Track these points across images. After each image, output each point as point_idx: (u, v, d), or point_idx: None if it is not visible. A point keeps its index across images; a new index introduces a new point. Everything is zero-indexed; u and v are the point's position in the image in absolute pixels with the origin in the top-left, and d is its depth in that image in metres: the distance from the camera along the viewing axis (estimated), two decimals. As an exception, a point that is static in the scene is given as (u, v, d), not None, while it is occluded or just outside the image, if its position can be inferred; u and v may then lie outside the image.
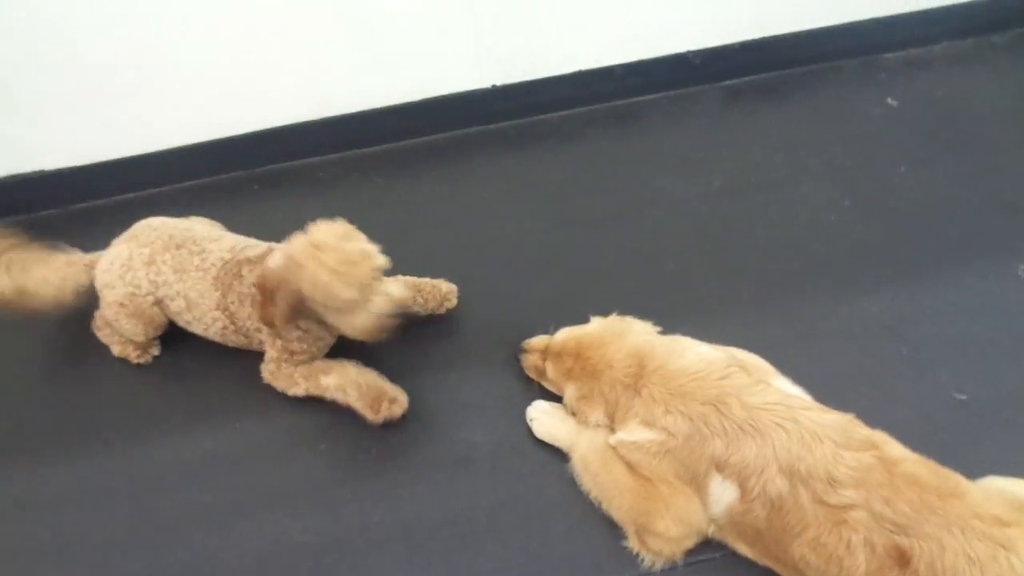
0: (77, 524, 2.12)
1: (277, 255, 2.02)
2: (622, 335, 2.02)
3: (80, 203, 2.79)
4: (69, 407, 2.36)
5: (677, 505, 1.86)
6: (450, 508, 2.07)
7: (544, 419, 2.17)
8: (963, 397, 2.15)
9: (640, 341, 1.99)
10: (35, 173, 2.79)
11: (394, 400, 2.15)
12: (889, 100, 2.99)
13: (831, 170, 2.78)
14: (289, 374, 2.23)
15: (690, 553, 1.92)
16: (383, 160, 2.96)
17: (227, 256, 2.21)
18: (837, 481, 1.66)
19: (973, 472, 1.76)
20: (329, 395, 2.21)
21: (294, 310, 1.98)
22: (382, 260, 1.98)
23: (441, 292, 2.41)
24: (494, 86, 2.96)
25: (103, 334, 2.42)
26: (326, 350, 2.26)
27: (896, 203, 2.65)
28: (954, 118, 2.91)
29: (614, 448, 1.96)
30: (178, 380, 2.39)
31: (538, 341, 2.20)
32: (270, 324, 2.05)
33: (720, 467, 1.78)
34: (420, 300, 2.38)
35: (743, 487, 1.75)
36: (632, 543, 1.94)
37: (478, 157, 2.96)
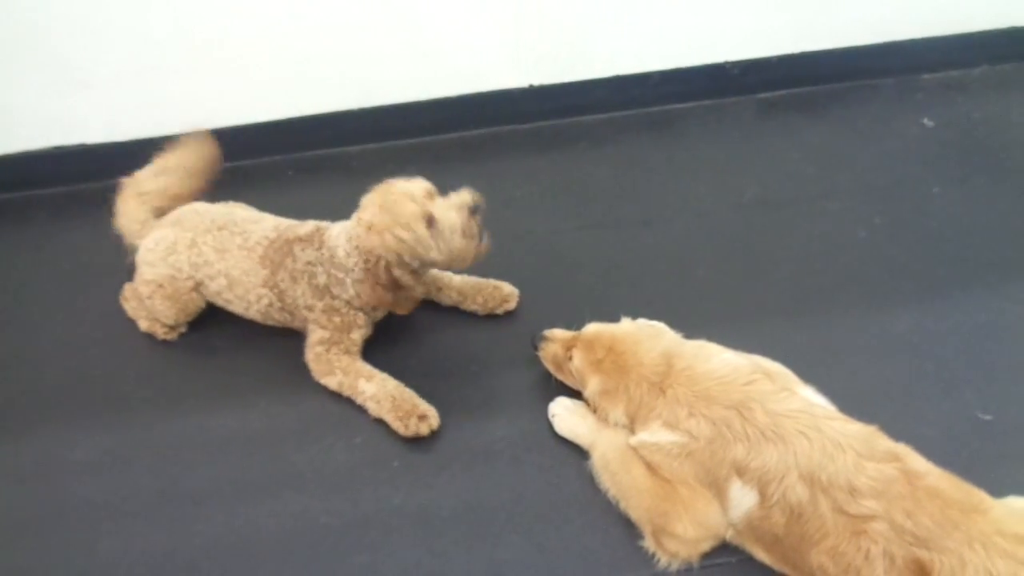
0: (99, 493, 2.14)
1: (338, 234, 2.15)
2: (656, 336, 2.03)
3: (119, 178, 2.82)
4: (94, 378, 2.39)
5: (695, 508, 1.87)
6: (470, 499, 2.08)
7: (565, 415, 2.18)
8: (988, 418, 2.15)
9: (671, 343, 2.01)
10: (78, 146, 2.84)
11: (424, 417, 2.16)
12: (925, 120, 2.99)
13: (864, 187, 2.78)
14: (330, 361, 2.25)
15: (706, 556, 1.92)
16: (418, 152, 2.99)
17: (272, 235, 2.26)
18: (858, 491, 1.65)
19: (994, 493, 1.75)
20: (361, 401, 2.23)
21: (398, 284, 2.11)
22: (426, 184, 2.09)
23: (502, 293, 2.44)
24: (532, 85, 2.98)
25: (130, 306, 2.46)
26: (374, 322, 2.33)
27: (927, 223, 2.65)
28: (989, 142, 2.91)
29: (634, 449, 1.97)
30: (205, 358, 2.42)
31: (561, 332, 2.19)
32: (414, 303, 2.20)
33: (741, 472, 1.78)
34: (480, 300, 2.43)
35: (763, 493, 1.75)
36: (649, 543, 1.94)
37: (512, 155, 2.98)
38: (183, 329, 2.45)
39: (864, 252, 2.58)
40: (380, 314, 2.32)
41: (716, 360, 1.93)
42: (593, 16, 2.84)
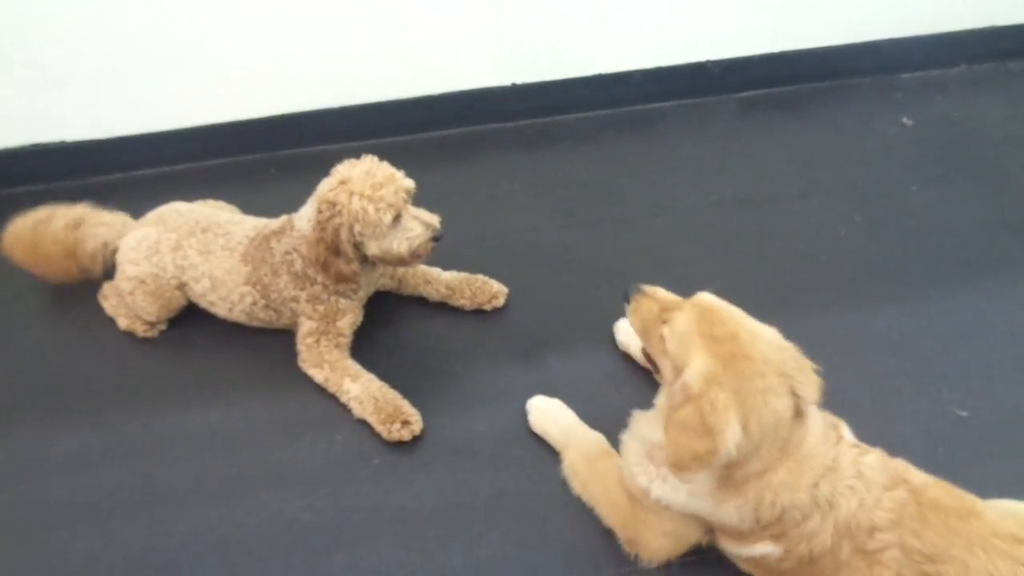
0: (76, 492, 2.12)
1: (307, 208, 2.12)
2: (784, 378, 1.58)
3: (98, 176, 2.82)
4: (72, 376, 2.37)
5: (666, 528, 1.84)
6: (450, 496, 2.08)
7: (539, 414, 2.17)
8: (964, 414, 2.17)
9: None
10: (56, 144, 2.82)
11: (406, 423, 2.15)
12: (904, 120, 3.02)
13: (843, 185, 2.80)
14: (320, 353, 2.25)
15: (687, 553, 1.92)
16: (400, 151, 2.93)
17: (252, 234, 2.27)
18: (877, 528, 1.62)
19: (972, 489, 1.76)
20: (345, 400, 2.23)
21: (337, 250, 2.07)
22: (409, 182, 2.10)
23: (491, 290, 2.45)
24: (514, 84, 2.99)
25: (109, 304, 2.44)
26: (361, 305, 2.32)
27: (906, 221, 2.68)
28: (968, 141, 2.93)
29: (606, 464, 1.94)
30: (186, 355, 2.40)
31: (664, 292, 1.78)
32: (343, 279, 2.13)
33: (777, 537, 1.68)
34: (468, 295, 2.43)
35: (789, 549, 1.68)
36: (624, 548, 1.93)
37: (494, 154, 2.98)
38: (163, 327, 2.43)
39: (844, 250, 2.60)
40: (363, 294, 2.31)
41: (816, 428, 1.67)
42: (574, 15, 2.85)
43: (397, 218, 2.06)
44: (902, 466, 1.72)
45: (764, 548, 1.71)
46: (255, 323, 2.35)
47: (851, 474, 1.64)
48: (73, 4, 2.52)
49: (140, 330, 2.41)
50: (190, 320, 2.41)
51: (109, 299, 2.43)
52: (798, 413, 1.59)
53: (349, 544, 2.00)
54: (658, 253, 2.62)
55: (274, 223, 2.27)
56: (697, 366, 1.55)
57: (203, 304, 2.36)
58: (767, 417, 1.53)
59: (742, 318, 1.64)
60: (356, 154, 2.91)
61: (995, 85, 3.15)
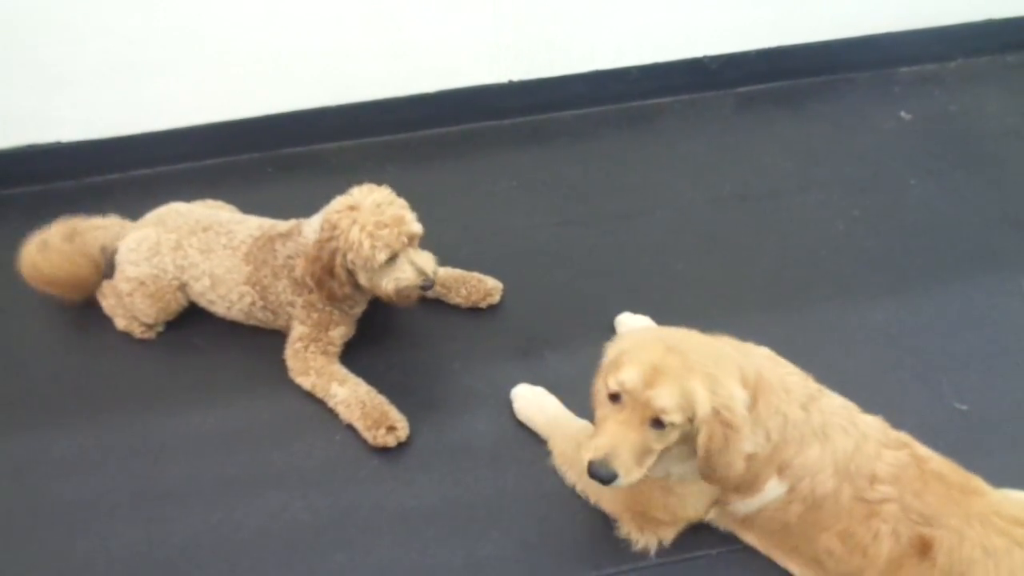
0: (77, 492, 2.12)
1: (316, 219, 2.11)
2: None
3: (95, 176, 2.81)
4: (70, 377, 2.37)
5: (668, 503, 1.86)
6: (450, 495, 2.08)
7: (522, 402, 2.18)
8: (964, 407, 2.17)
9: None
10: (52, 144, 2.81)
11: (393, 428, 2.14)
12: (902, 114, 3.01)
13: (841, 180, 2.80)
14: (307, 360, 2.24)
15: (686, 549, 1.92)
16: (397, 149, 2.98)
17: (257, 234, 2.27)
18: (877, 478, 1.68)
19: (973, 481, 1.77)
20: (332, 404, 2.22)
21: (332, 272, 2.08)
22: (416, 227, 2.09)
23: (486, 287, 2.44)
24: (511, 81, 2.98)
25: (108, 303, 2.43)
26: (354, 320, 2.32)
27: (905, 215, 2.68)
28: (965, 134, 2.93)
29: None
30: (184, 356, 2.40)
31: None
32: (334, 299, 2.14)
33: (782, 469, 1.73)
34: (463, 292, 2.43)
35: (794, 487, 1.73)
36: (626, 529, 1.93)
37: (491, 151, 2.98)
38: (160, 328, 2.43)
39: (842, 244, 2.60)
40: (358, 311, 2.32)
41: (788, 364, 1.86)
42: (571, 11, 2.84)
43: (393, 258, 2.07)
44: (905, 436, 1.78)
45: (771, 487, 1.74)
46: (252, 322, 2.35)
47: (843, 416, 1.74)
48: (69, 4, 2.52)
49: (138, 331, 2.41)
50: (188, 321, 2.41)
51: (108, 299, 2.43)
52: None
53: (349, 544, 2.00)
54: (656, 249, 2.62)
55: (282, 226, 2.27)
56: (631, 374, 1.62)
57: (202, 303, 2.36)
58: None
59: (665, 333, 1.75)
60: (355, 152, 2.95)
61: (993, 78, 3.15)
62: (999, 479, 1.75)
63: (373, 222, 2.02)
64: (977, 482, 1.70)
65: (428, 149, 2.99)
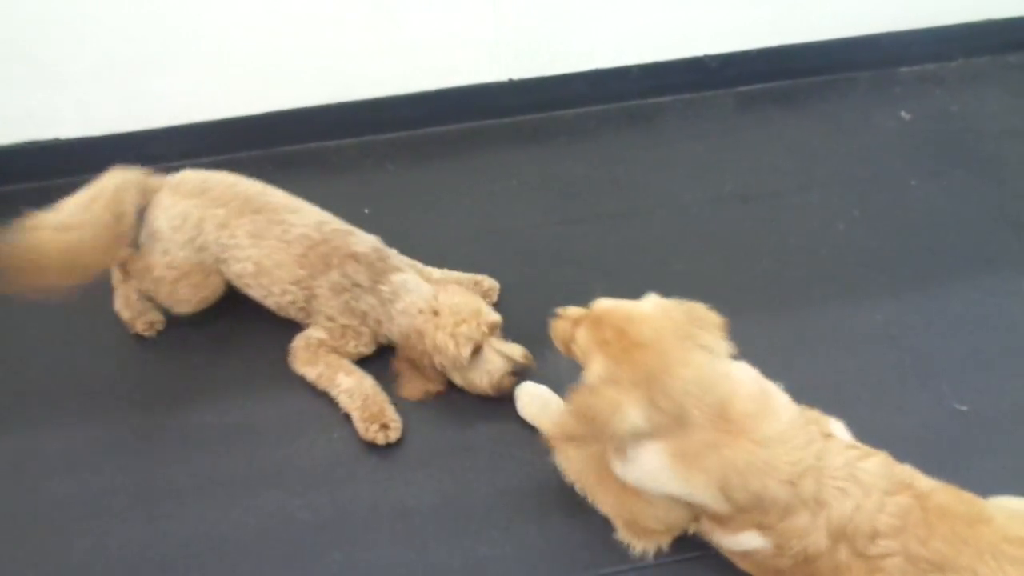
0: (73, 490, 2.11)
1: (404, 323, 2.17)
2: (685, 342, 1.69)
3: (94, 173, 2.79)
4: (69, 373, 2.36)
5: (656, 513, 1.83)
6: (449, 494, 2.07)
7: (526, 399, 2.18)
8: (964, 408, 2.16)
9: (719, 373, 1.69)
10: (51, 141, 2.81)
11: (386, 426, 2.14)
12: (902, 113, 3.01)
13: (842, 180, 2.80)
14: (318, 354, 2.24)
15: (686, 549, 1.91)
16: (397, 147, 2.97)
17: (316, 236, 2.21)
18: (879, 533, 1.59)
19: (972, 483, 1.76)
20: (335, 393, 2.21)
21: (420, 369, 2.18)
22: (494, 317, 2.15)
23: (482, 288, 2.44)
24: (511, 80, 2.98)
25: (127, 287, 2.36)
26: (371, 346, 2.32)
27: (905, 215, 2.67)
28: (966, 134, 2.93)
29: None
30: (183, 354, 2.39)
31: (574, 309, 1.86)
32: (415, 394, 2.22)
33: (763, 529, 1.67)
34: None
35: (780, 545, 1.66)
36: (621, 534, 1.93)
37: (491, 150, 2.97)
38: (160, 327, 2.42)
39: (842, 245, 2.60)
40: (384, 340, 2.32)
41: (784, 416, 1.68)
42: (572, 10, 2.84)
43: (477, 351, 2.10)
44: (908, 471, 1.68)
45: (750, 538, 1.70)
46: (281, 314, 2.32)
47: (842, 475, 1.62)
48: (69, 1, 2.51)
49: (140, 326, 2.39)
50: (188, 320, 2.40)
51: (132, 280, 2.33)
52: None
53: (347, 543, 1.99)
54: (656, 249, 2.61)
55: (356, 244, 2.23)
56: (595, 369, 1.67)
57: (239, 284, 2.30)
58: (676, 386, 1.60)
59: (625, 311, 1.73)
60: (354, 150, 2.94)
61: (993, 78, 3.14)
62: (999, 481, 1.75)
63: (452, 322, 2.08)
64: (980, 507, 1.63)
65: (427, 147, 2.98)
